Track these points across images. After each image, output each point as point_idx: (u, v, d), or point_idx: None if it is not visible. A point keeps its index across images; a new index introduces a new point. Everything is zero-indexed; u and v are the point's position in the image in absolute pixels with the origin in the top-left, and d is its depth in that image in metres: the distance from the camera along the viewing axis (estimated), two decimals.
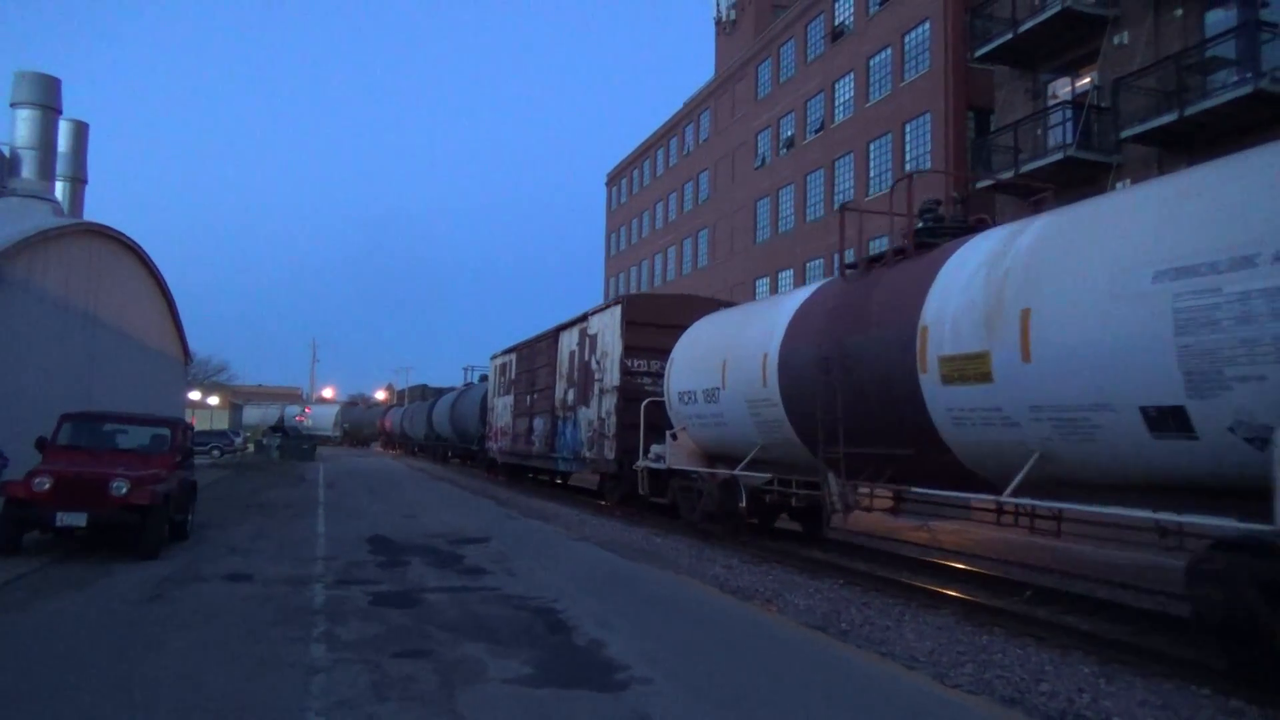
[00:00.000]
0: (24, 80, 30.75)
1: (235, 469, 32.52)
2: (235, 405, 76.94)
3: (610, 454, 17.67)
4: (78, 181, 34.68)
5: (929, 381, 8.65)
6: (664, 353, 16.22)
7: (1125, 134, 18.99)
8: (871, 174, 31.51)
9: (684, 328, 15.77)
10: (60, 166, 32.56)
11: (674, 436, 14.91)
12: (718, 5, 48.40)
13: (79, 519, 10.05)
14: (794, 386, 11.29)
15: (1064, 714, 5.54)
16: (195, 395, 58.79)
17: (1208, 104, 17.24)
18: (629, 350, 17.54)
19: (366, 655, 6.28)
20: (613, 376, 17.83)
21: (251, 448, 51.56)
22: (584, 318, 20.29)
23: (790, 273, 35.82)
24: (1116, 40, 20.67)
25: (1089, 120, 20.77)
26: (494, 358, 30.94)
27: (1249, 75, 17.00)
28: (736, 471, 13.03)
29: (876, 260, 10.79)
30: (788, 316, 11.91)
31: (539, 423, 23.37)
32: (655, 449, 15.46)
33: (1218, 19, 18.91)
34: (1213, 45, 18.26)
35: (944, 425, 8.59)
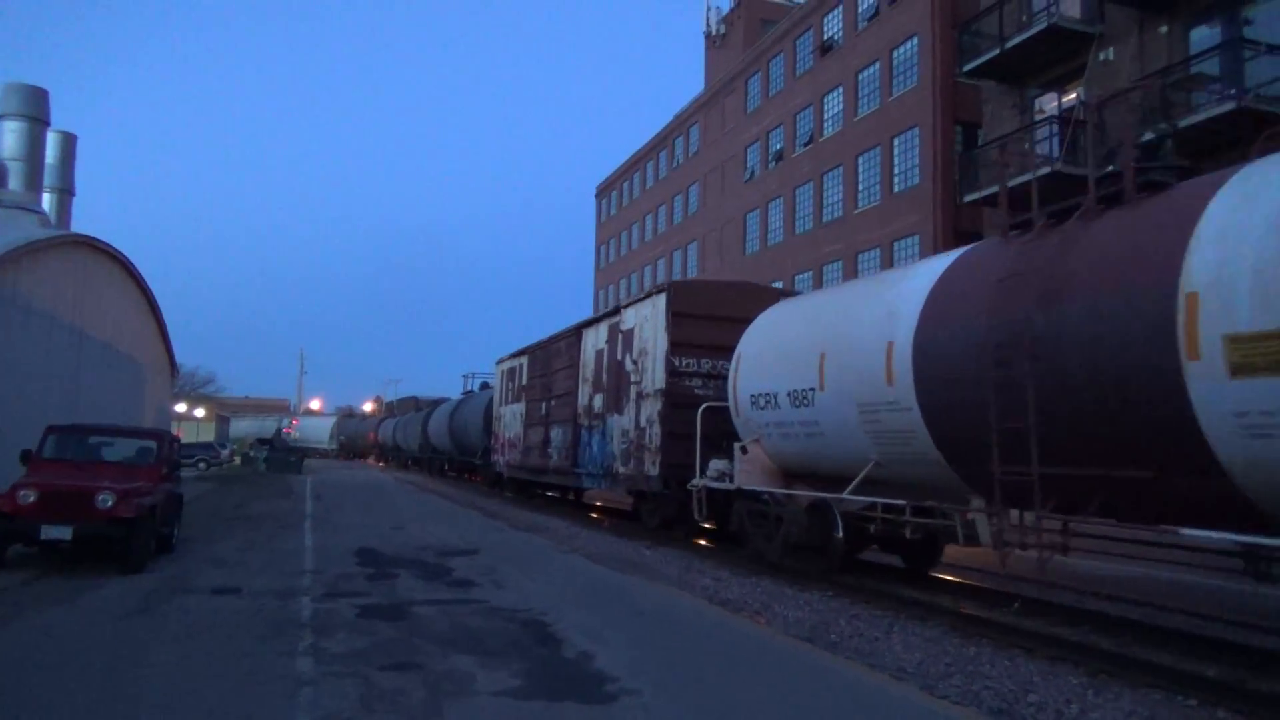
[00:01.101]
0: (12, 92, 30.69)
1: (222, 481, 32.33)
2: (222, 417, 76.54)
3: (653, 470, 14.93)
4: (65, 193, 34.59)
5: (1203, 372, 6.21)
6: (719, 350, 14.34)
7: (1112, 149, 19.15)
8: (860, 187, 31.70)
9: (744, 320, 13.45)
10: (48, 178, 32.49)
11: (743, 450, 12.22)
12: (707, 19, 48.70)
13: (64, 532, 9.98)
14: (940, 384, 8.69)
15: None
16: (182, 407, 58.45)
17: (1193, 120, 17.44)
18: (676, 347, 14.82)
19: (354, 668, 6.24)
20: (655, 378, 15.17)
21: (238, 460, 51.27)
22: (615, 311, 17.62)
23: (779, 285, 35.96)
24: (1102, 56, 20.90)
25: (1075, 135, 20.96)
26: (500, 362, 28.35)
27: (1233, 92, 17.21)
28: (846, 495, 10.15)
29: (1059, 215, 8.18)
30: (921, 293, 9.22)
31: (557, 433, 20.69)
32: (716, 464, 13.02)
33: (1202, 36, 19.16)
34: (1197, 62, 18.49)
35: (1224, 436, 6.16)
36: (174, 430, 32.19)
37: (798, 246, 35.04)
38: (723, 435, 13.16)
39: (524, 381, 24.35)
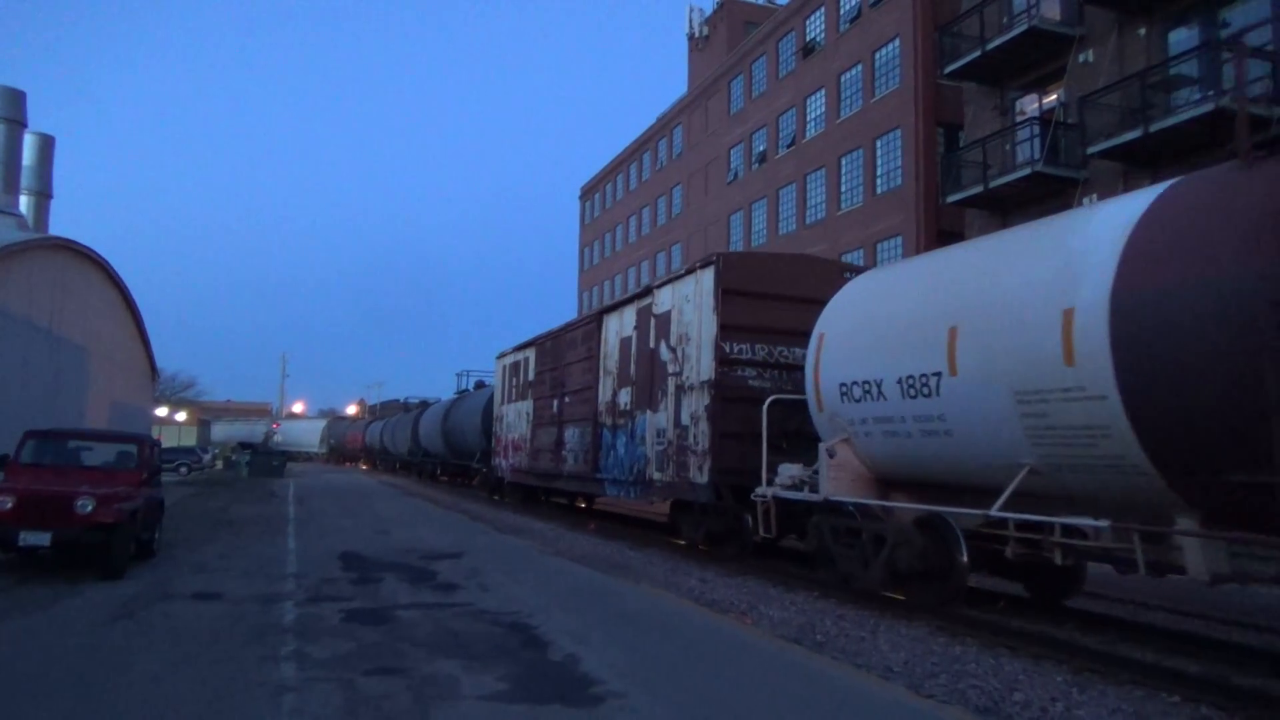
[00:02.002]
0: None
1: (204, 486, 32.06)
2: (204, 421, 76.02)
3: (700, 476, 12.69)
4: (43, 196, 34.26)
5: None
6: (776, 334, 12.74)
7: (1091, 150, 19.33)
8: (843, 189, 31.82)
9: (804, 300, 11.95)
10: (25, 180, 32.16)
11: (830, 453, 10.01)
12: (691, 21, 48.77)
13: (43, 538, 9.85)
14: (1162, 361, 6.52)
15: None
16: (163, 411, 57.97)
17: (1171, 121, 17.61)
18: (726, 331, 12.63)
19: (338, 673, 6.19)
20: (701, 368, 12.98)
21: (221, 465, 50.89)
22: (645, 292, 15.51)
23: None
24: (1082, 58, 21.07)
25: (1056, 136, 21.12)
26: (501, 357, 25.72)
27: (1211, 94, 17.38)
28: (996, 511, 7.89)
29: None
30: (1118, 239, 7.01)
31: (573, 434, 18.47)
32: (788, 470, 10.98)
33: (1180, 38, 19.35)
34: (1175, 64, 18.67)
35: None
36: (155, 434, 31.93)
37: (781, 248, 35.12)
38: (783, 435, 11.52)
39: (530, 377, 22.07)
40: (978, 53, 22.58)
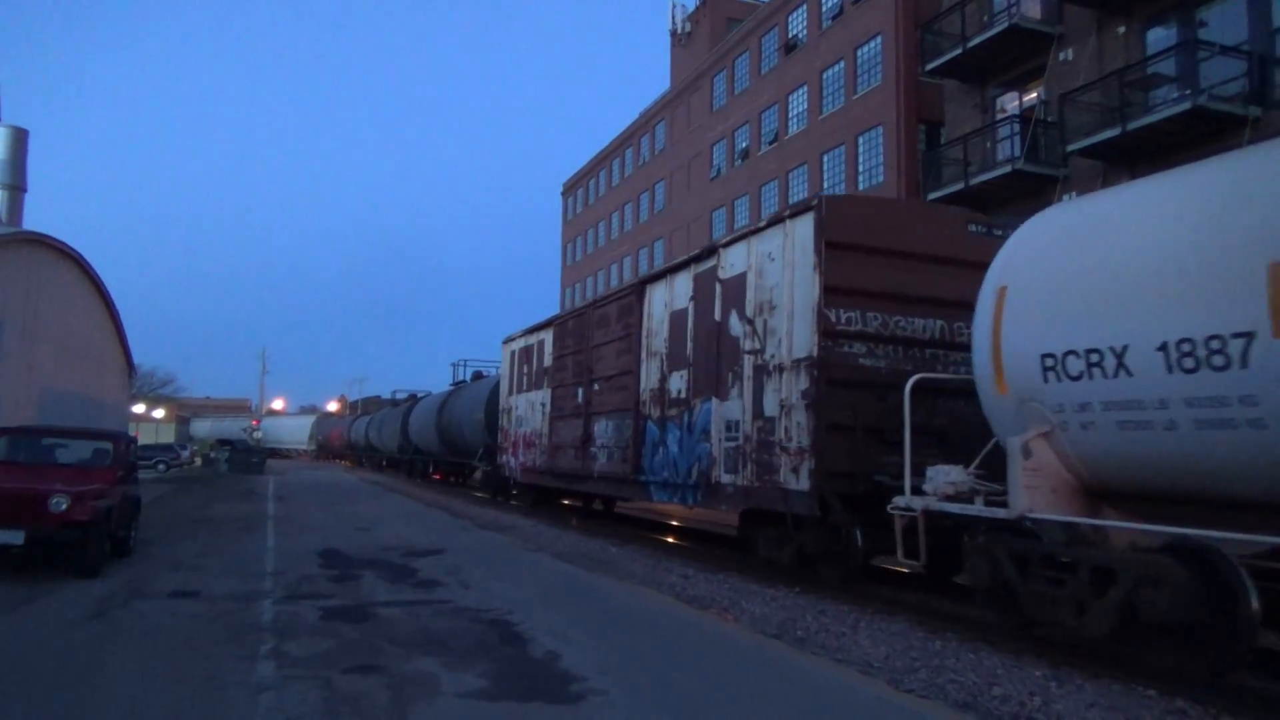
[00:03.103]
0: None
1: (182, 483, 31.78)
2: (182, 418, 75.41)
3: (796, 480, 9.99)
4: (16, 190, 33.76)
5: None
6: (897, 300, 10.14)
7: (1071, 148, 19.47)
8: (825, 185, 31.90)
9: (934, 259, 10.20)
10: None
11: (1025, 452, 7.30)
12: (673, 17, 48.74)
13: (16, 537, 9.70)
14: None
15: (1016, 717, 5.60)
16: (140, 408, 57.41)
17: (1149, 119, 17.75)
18: (833, 295, 9.88)
19: (317, 671, 6.14)
20: (794, 342, 10.25)
21: (199, 461, 50.48)
22: (707, 252, 12.58)
23: None
24: (1062, 56, 21.21)
25: (1036, 134, 21.26)
26: (508, 341, 22.81)
27: (1189, 92, 17.54)
28: None
29: None
30: None
31: (605, 428, 15.78)
32: (946, 475, 8.18)
33: (1158, 37, 19.51)
34: (1154, 63, 18.82)
35: None
36: (132, 431, 31.62)
37: None
38: (901, 427, 8.77)
39: (547, 363, 19.36)
40: (959, 50, 22.69)
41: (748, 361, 11.15)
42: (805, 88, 33.48)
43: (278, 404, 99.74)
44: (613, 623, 8.33)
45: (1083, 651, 7.12)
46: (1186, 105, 17.02)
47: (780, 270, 10.66)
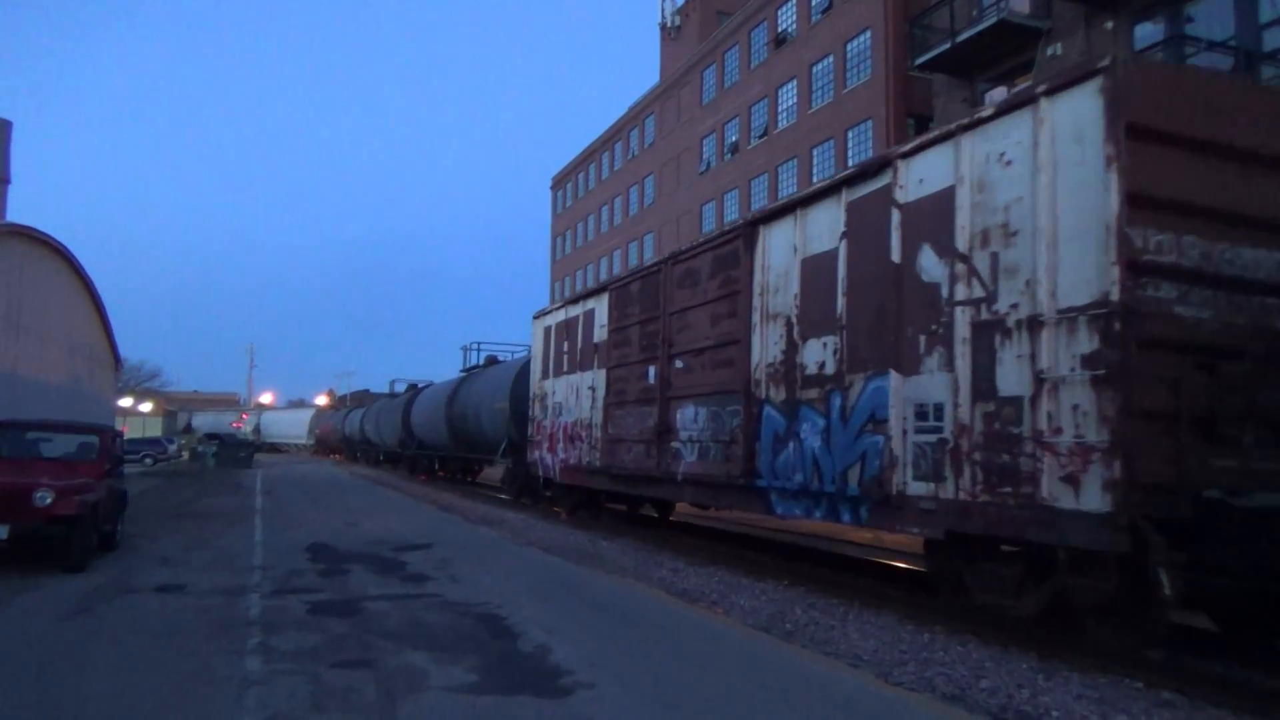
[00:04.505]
0: None
1: (169, 477, 31.62)
2: (170, 412, 74.96)
3: (1082, 496, 6.52)
4: (0, 182, 33.45)
5: None
6: (1228, 221, 6.90)
7: None
8: (815, 179, 31.90)
9: None
10: None
11: None
12: (663, 10, 48.67)
13: (0, 531, 9.64)
14: None
15: (1004, 709, 5.62)
16: (127, 402, 57.09)
17: None
18: (1139, 209, 6.60)
19: (304, 666, 6.12)
20: (1069, 282, 6.87)
21: (187, 455, 50.22)
22: (874, 168, 9.14)
23: None
24: (1050, 51, 21.25)
25: None
26: (541, 316, 19.51)
27: None
28: None
29: None
30: None
31: (693, 416, 12.44)
32: None
33: (1146, 32, 19.57)
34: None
35: None
36: (118, 425, 31.40)
37: None
38: (1230, 419, 6.50)
39: (601, 337, 15.97)
40: (947, 45, 22.70)
41: (961, 317, 7.85)
42: (795, 82, 33.47)
43: (266, 398, 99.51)
44: (602, 616, 8.32)
45: (1069, 644, 7.14)
46: None
47: (1027, 177, 7.38)
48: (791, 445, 10.11)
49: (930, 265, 8.31)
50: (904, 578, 10.82)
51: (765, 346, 10.84)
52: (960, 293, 7.89)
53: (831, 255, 9.72)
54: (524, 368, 21.57)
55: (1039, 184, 7.21)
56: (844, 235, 9.56)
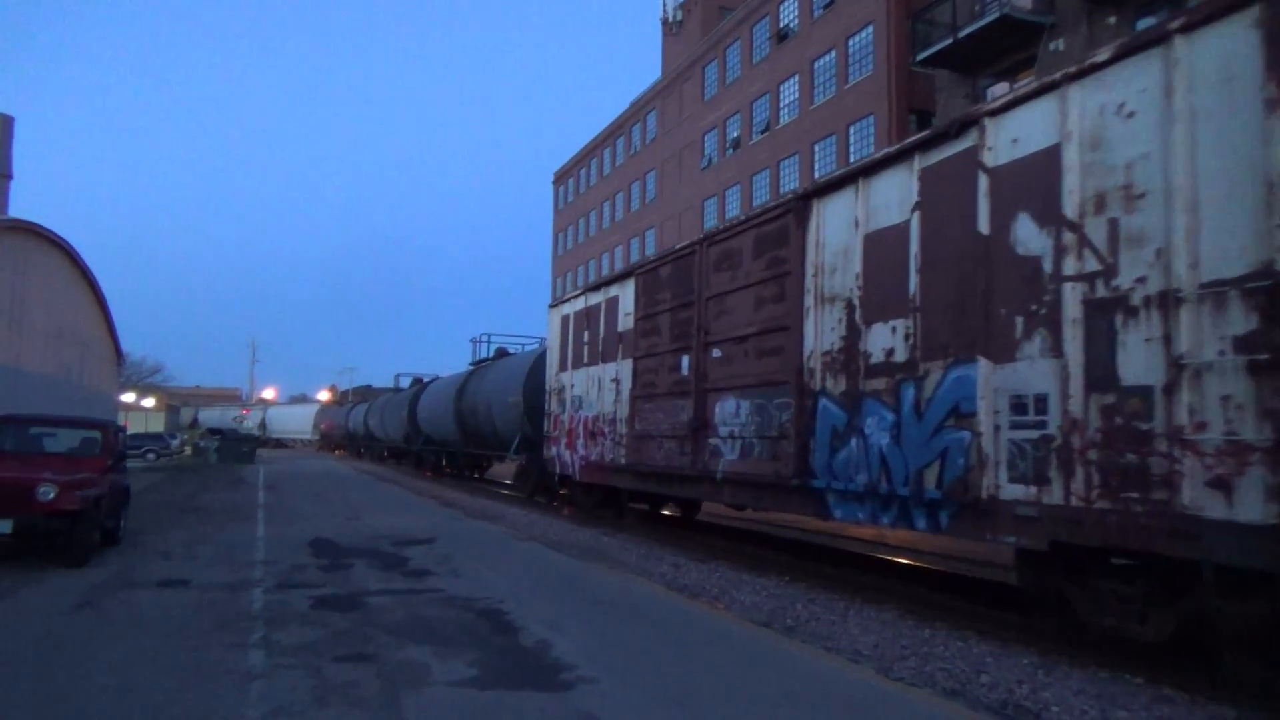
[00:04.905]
0: None
1: (171, 472, 31.67)
2: (172, 407, 75.08)
3: (1235, 505, 5.56)
4: (2, 177, 33.49)
5: None
6: None
7: None
8: (817, 174, 31.88)
9: None
10: None
11: None
12: (665, 6, 48.61)
13: (3, 526, 9.65)
14: None
15: (1004, 704, 5.64)
16: (129, 397, 57.19)
17: None
18: None
19: (307, 660, 6.14)
20: (1213, 252, 5.87)
21: (189, 450, 50.31)
22: (957, 128, 8.11)
23: None
24: (1052, 46, 21.22)
25: None
26: (558, 304, 18.49)
27: None
28: None
29: None
30: None
31: (734, 409, 11.45)
32: None
33: (1148, 26, 19.55)
34: None
35: None
36: (121, 420, 31.47)
37: None
38: None
39: (627, 325, 14.91)
40: (949, 40, 22.69)
41: (1070, 294, 6.83)
42: (797, 77, 33.42)
43: (269, 393, 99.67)
44: (603, 612, 8.34)
45: (1068, 639, 7.16)
46: None
47: (1155, 130, 6.33)
48: (854, 442, 9.08)
49: (1028, 236, 7.27)
50: (905, 573, 10.84)
51: (820, 332, 9.82)
52: (1069, 267, 6.83)
53: (901, 229, 8.66)
54: (538, 360, 20.60)
55: (1173, 137, 6.15)
56: (917, 206, 8.47)
